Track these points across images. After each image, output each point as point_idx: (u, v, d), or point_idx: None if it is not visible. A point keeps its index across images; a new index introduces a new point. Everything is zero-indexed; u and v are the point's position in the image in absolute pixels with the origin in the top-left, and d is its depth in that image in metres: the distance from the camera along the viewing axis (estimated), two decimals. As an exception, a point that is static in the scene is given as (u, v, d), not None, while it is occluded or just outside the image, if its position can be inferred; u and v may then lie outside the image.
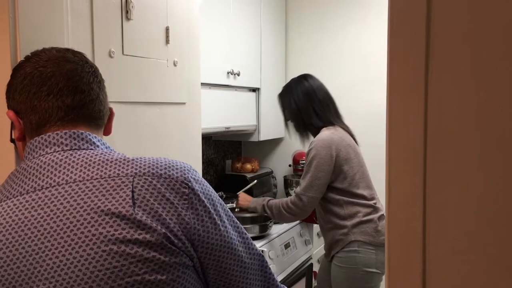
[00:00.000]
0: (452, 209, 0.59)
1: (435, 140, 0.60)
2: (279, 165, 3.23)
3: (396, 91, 0.63)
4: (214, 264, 0.76)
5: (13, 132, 0.87)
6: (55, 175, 0.73)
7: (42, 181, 0.72)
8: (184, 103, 1.64)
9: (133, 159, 0.76)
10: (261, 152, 3.27)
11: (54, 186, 0.72)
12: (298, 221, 2.59)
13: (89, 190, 0.71)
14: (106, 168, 0.74)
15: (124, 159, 0.76)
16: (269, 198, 2.22)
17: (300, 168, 2.99)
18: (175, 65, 1.58)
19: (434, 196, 0.61)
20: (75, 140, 0.78)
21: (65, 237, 0.68)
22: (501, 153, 0.56)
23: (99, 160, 0.75)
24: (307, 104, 2.09)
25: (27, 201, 0.71)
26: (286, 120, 2.22)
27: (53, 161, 0.74)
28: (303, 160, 2.98)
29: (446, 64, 0.59)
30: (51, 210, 0.70)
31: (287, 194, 2.99)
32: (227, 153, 3.12)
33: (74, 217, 0.69)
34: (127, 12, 1.37)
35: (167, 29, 1.54)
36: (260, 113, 2.82)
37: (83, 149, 0.77)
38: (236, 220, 0.83)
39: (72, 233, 0.68)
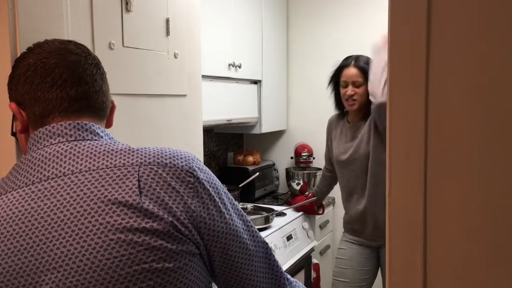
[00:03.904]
0: (453, 206, 0.59)
1: (436, 135, 0.59)
2: (281, 157, 3.23)
3: (396, 84, 0.62)
4: (220, 251, 0.77)
5: (14, 124, 0.86)
6: (60, 165, 0.73)
7: (48, 172, 0.73)
8: (185, 95, 1.64)
9: (138, 149, 0.77)
10: (263, 144, 3.27)
11: (60, 176, 0.72)
12: (300, 213, 2.59)
13: (95, 180, 0.71)
14: (111, 158, 0.74)
15: (129, 149, 0.76)
16: None
17: (302, 160, 2.99)
18: (175, 57, 1.58)
19: (435, 192, 0.61)
20: (79, 131, 0.78)
21: (72, 226, 0.69)
22: (503, 148, 0.55)
23: (104, 150, 0.75)
24: None
25: (32, 192, 0.71)
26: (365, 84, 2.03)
27: (58, 151, 0.74)
28: (305, 152, 2.98)
29: (447, 57, 0.58)
30: (58, 200, 0.70)
31: (289, 186, 3.00)
32: (228, 146, 3.12)
33: (81, 206, 0.69)
34: (127, 3, 1.36)
35: (167, 20, 1.53)
36: (262, 105, 2.82)
37: (88, 139, 0.78)
38: (240, 208, 0.83)
39: (79, 223, 0.69)
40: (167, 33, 1.53)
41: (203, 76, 1.89)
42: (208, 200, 0.76)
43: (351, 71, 2.06)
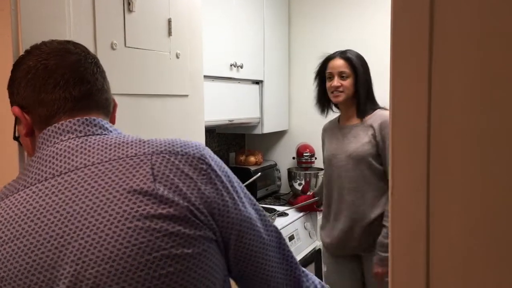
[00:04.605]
0: (456, 205, 0.59)
1: (439, 134, 0.59)
2: (283, 157, 3.22)
3: (399, 83, 0.62)
4: (234, 239, 0.76)
5: (17, 129, 0.85)
6: (72, 160, 0.73)
7: (60, 167, 0.73)
8: (187, 96, 1.64)
9: (148, 140, 0.77)
10: (265, 144, 3.27)
11: (73, 170, 0.72)
12: (302, 213, 2.59)
13: (108, 171, 0.72)
14: (123, 149, 0.74)
15: (140, 140, 0.77)
16: (380, 242, 1.86)
17: (304, 160, 2.99)
18: (177, 57, 1.58)
19: (437, 192, 0.60)
20: (88, 126, 0.78)
21: (89, 218, 0.68)
22: (506, 147, 0.55)
23: (115, 143, 0.76)
24: (371, 81, 2.00)
25: (46, 188, 0.71)
26: (355, 84, 1.93)
27: (69, 147, 0.75)
28: (307, 153, 2.98)
29: (450, 55, 0.58)
30: (72, 194, 0.70)
31: (291, 187, 2.99)
32: (230, 146, 3.12)
33: (97, 197, 0.69)
34: (129, 4, 1.36)
35: (169, 21, 1.53)
36: (264, 105, 2.81)
37: (97, 134, 0.78)
38: (252, 197, 0.83)
39: (96, 214, 0.69)
40: (169, 33, 1.53)
41: (205, 77, 1.89)
42: (221, 187, 0.76)
43: (337, 62, 1.94)
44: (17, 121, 0.83)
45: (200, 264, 0.71)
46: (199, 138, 1.73)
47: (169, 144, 0.77)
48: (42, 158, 0.75)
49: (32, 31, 1.05)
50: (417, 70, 0.60)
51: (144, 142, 0.77)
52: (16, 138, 0.87)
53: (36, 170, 0.74)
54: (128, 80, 1.37)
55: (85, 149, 0.74)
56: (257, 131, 2.84)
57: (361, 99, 1.90)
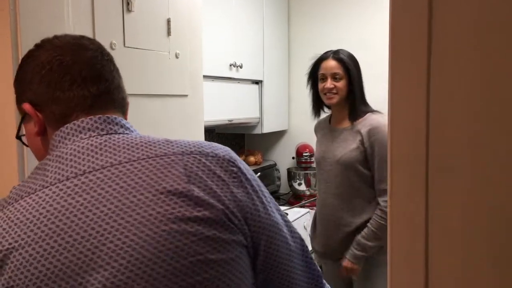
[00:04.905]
0: (454, 205, 0.59)
1: (438, 133, 0.59)
2: (283, 157, 3.22)
3: (398, 83, 0.62)
4: (264, 244, 0.73)
5: (23, 127, 0.79)
6: (96, 158, 0.69)
7: (83, 166, 0.68)
8: (186, 95, 1.64)
9: (175, 140, 0.74)
10: (264, 144, 3.27)
11: (98, 169, 0.67)
12: (302, 213, 2.59)
13: (138, 171, 0.67)
14: (150, 149, 0.71)
15: (167, 141, 0.74)
16: (357, 240, 1.81)
17: (303, 160, 2.99)
18: (177, 57, 1.58)
19: (436, 192, 0.60)
20: (110, 124, 0.74)
21: (119, 220, 0.64)
22: (505, 147, 0.55)
23: (141, 142, 0.72)
24: (362, 82, 1.93)
25: (68, 187, 0.66)
26: (349, 85, 1.86)
27: (91, 145, 0.70)
28: (306, 152, 2.97)
29: (449, 54, 0.58)
30: (99, 194, 0.65)
31: (291, 187, 2.99)
32: (230, 146, 3.09)
33: (127, 198, 0.65)
34: (128, 3, 1.36)
35: (168, 20, 1.53)
36: (263, 105, 2.81)
37: (120, 133, 0.74)
38: (276, 203, 0.81)
39: (126, 215, 0.64)
40: (169, 33, 1.53)
41: (205, 76, 1.89)
42: (252, 191, 0.74)
43: (330, 63, 1.86)
44: (24, 119, 0.77)
45: (234, 270, 0.68)
46: (199, 138, 1.72)
47: (197, 145, 0.74)
48: (62, 157, 0.69)
49: (31, 31, 1.05)
50: (415, 70, 0.60)
51: (171, 142, 0.73)
52: (19, 137, 0.83)
53: (55, 169, 0.68)
54: (127, 80, 1.36)
55: (110, 147, 0.70)
56: (257, 131, 2.84)
57: (355, 101, 1.85)
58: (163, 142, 0.73)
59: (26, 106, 0.74)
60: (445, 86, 0.58)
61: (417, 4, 0.58)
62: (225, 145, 0.79)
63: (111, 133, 0.73)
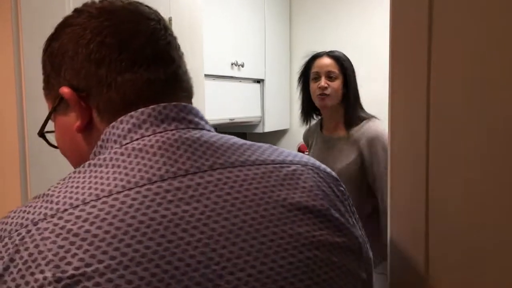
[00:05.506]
0: (454, 202, 0.58)
1: (438, 133, 0.59)
2: (284, 156, 3.22)
3: (398, 83, 0.62)
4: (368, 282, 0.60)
5: (54, 121, 0.61)
6: (200, 157, 0.52)
7: (183, 165, 0.50)
8: (188, 94, 1.64)
9: (271, 146, 0.60)
10: (266, 143, 3.26)
11: (206, 171, 0.51)
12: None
13: (260, 178, 0.52)
14: (261, 153, 0.56)
15: (269, 146, 0.60)
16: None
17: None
18: (178, 56, 1.58)
19: (436, 191, 0.60)
20: (196, 117, 0.57)
21: (245, 241, 0.47)
22: (505, 146, 0.55)
23: (243, 143, 0.57)
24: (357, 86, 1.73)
25: (167, 191, 0.47)
26: (346, 87, 1.68)
27: (187, 139, 0.53)
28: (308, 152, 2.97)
29: (448, 53, 0.57)
30: (214, 203, 0.48)
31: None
32: (231, 145, 3.11)
33: (254, 210, 0.49)
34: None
35: (169, 19, 1.53)
36: (265, 104, 2.81)
37: (207, 130, 0.58)
38: None
39: (257, 233, 0.48)
40: (170, 32, 1.53)
41: (206, 75, 1.88)
42: (356, 215, 0.61)
43: (324, 61, 1.67)
44: (56, 109, 0.58)
45: None
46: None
47: (298, 154, 0.60)
48: (144, 150, 0.51)
49: (32, 27, 1.04)
50: (415, 70, 0.59)
51: (276, 148, 0.59)
52: (42, 135, 0.63)
53: (135, 166, 0.49)
54: (129, 78, 1.37)
55: (212, 144, 0.54)
56: (258, 130, 2.84)
57: (350, 105, 1.65)
58: (266, 147, 0.58)
59: (65, 91, 0.55)
60: (445, 86, 0.58)
61: (417, 4, 0.58)
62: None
63: (200, 128, 0.56)
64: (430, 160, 0.61)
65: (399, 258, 0.65)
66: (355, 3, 2.92)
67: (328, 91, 1.64)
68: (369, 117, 1.69)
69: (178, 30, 1.57)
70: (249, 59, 2.59)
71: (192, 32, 1.66)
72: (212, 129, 0.60)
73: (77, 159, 0.58)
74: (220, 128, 2.92)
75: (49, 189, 0.49)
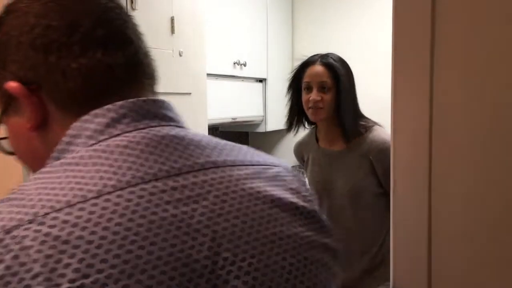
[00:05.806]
0: (457, 204, 0.58)
1: (441, 134, 0.59)
2: (286, 156, 3.22)
3: (401, 83, 0.62)
4: None
5: (11, 121, 0.52)
6: (190, 155, 0.48)
7: (175, 163, 0.46)
8: (189, 93, 1.64)
9: (249, 147, 0.57)
10: (268, 143, 3.26)
11: (200, 170, 0.47)
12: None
13: (251, 178, 0.50)
14: (245, 154, 0.53)
15: (242, 146, 0.56)
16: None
17: (307, 158, 2.98)
18: (180, 55, 1.58)
19: (439, 192, 0.60)
20: (177, 115, 0.53)
21: (247, 243, 0.45)
22: (507, 148, 0.55)
23: (224, 143, 0.54)
24: (355, 91, 1.60)
25: (162, 191, 0.43)
26: (341, 90, 1.52)
27: (175, 137, 0.49)
28: (310, 151, 2.96)
29: (451, 54, 0.57)
30: (213, 204, 0.45)
31: (294, 185, 2.98)
32: (234, 144, 3.11)
33: (254, 211, 0.47)
34: (132, 2, 1.36)
35: (172, 19, 1.53)
36: (267, 103, 2.81)
37: (183, 127, 0.54)
38: None
39: (259, 235, 0.46)
40: (172, 31, 1.53)
41: (208, 75, 1.88)
42: None
43: (317, 69, 1.52)
44: (6, 110, 0.51)
45: None
46: (202, 136, 1.73)
47: (275, 158, 0.58)
48: (128, 147, 0.46)
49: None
50: (418, 71, 0.59)
51: (254, 150, 0.57)
52: None
53: (121, 164, 0.44)
54: (131, 78, 1.37)
55: (198, 143, 0.51)
56: (261, 129, 2.84)
57: (346, 117, 1.51)
58: (246, 148, 0.55)
59: (12, 85, 0.47)
60: (448, 86, 0.58)
61: (419, 4, 0.58)
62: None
63: (181, 126, 0.53)
64: (433, 161, 0.61)
65: (402, 259, 0.65)
66: (357, 2, 2.91)
67: (321, 105, 1.50)
68: (370, 125, 1.56)
69: (180, 29, 1.58)
70: (251, 58, 2.59)
71: (195, 31, 1.66)
72: (189, 128, 0.55)
73: (37, 163, 0.50)
74: (222, 127, 2.92)
75: (12, 193, 0.42)
